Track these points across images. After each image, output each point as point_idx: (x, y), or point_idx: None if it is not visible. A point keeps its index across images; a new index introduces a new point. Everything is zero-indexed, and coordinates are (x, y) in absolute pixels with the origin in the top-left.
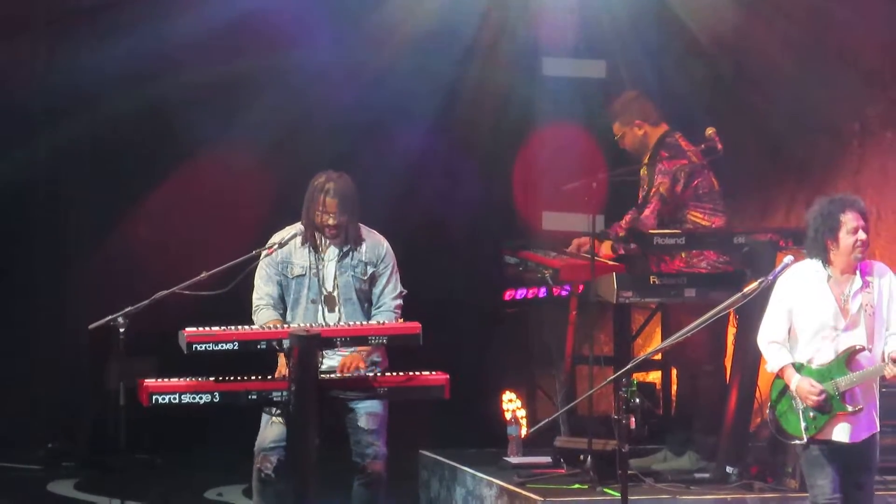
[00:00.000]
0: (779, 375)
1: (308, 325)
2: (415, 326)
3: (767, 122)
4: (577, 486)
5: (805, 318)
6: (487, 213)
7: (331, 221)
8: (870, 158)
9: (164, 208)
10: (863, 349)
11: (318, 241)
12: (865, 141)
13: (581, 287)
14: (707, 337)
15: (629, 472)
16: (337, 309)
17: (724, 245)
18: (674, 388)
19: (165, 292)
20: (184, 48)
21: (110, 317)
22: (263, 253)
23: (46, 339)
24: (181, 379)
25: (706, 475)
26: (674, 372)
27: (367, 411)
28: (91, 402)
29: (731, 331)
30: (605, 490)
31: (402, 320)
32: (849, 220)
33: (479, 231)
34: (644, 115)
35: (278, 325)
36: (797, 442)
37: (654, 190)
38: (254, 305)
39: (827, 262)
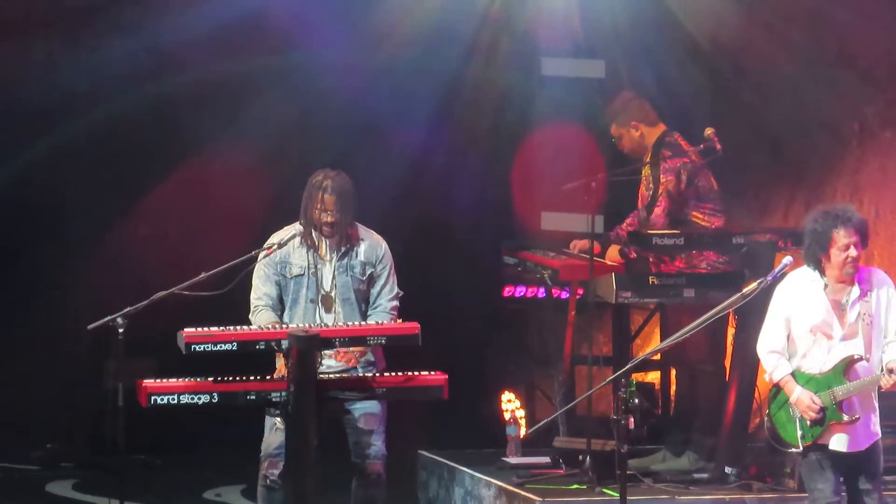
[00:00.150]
0: (778, 385)
1: (306, 325)
2: (413, 327)
3: (766, 122)
4: (575, 486)
5: (803, 327)
6: (487, 213)
7: (328, 219)
8: (869, 158)
9: (164, 208)
10: (860, 359)
11: (317, 241)
12: (864, 141)
13: (579, 292)
14: (706, 337)
15: (628, 472)
16: (334, 309)
17: (723, 245)
18: (673, 388)
19: (164, 293)
20: (183, 48)
21: (109, 317)
22: (262, 254)
23: (46, 340)
24: (180, 379)
25: (705, 475)
26: (673, 372)
27: (365, 412)
28: (90, 402)
29: (730, 331)
30: (604, 490)
31: (400, 321)
32: (840, 237)
33: (478, 231)
34: (641, 116)
35: (277, 326)
36: (794, 450)
37: (661, 188)
38: (252, 306)
39: (822, 272)
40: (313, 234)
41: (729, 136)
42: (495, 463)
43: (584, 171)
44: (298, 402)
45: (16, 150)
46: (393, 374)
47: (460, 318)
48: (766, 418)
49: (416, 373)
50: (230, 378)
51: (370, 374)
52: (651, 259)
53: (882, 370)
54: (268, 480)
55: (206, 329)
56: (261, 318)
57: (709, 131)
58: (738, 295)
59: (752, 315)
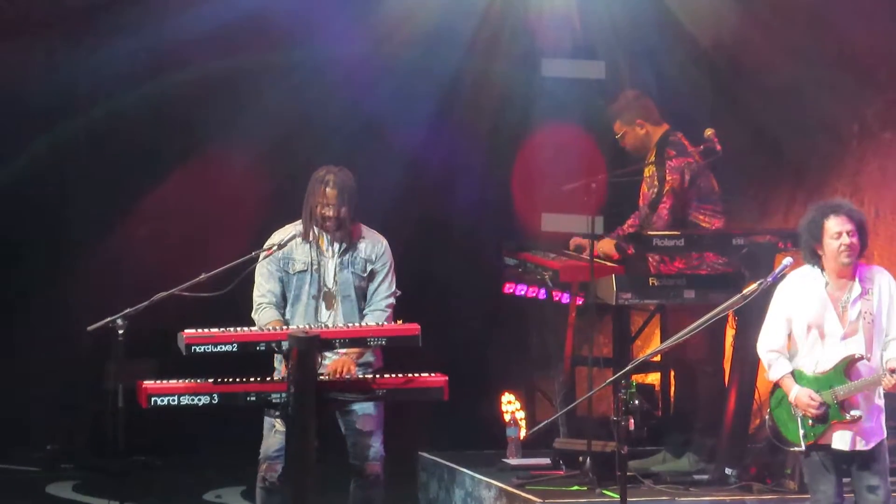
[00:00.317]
0: (778, 384)
1: (307, 324)
2: (414, 328)
3: (766, 122)
4: (576, 487)
5: (804, 326)
6: (487, 213)
7: (330, 213)
8: (868, 159)
9: (164, 208)
10: (861, 358)
11: (319, 237)
12: (864, 141)
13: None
14: (706, 338)
15: (628, 473)
16: (334, 306)
17: (723, 246)
18: (673, 389)
19: (164, 294)
20: (184, 48)
21: (109, 318)
22: (262, 255)
23: (45, 341)
24: (180, 381)
25: (705, 476)
26: (673, 373)
27: (362, 413)
28: (90, 403)
29: (730, 332)
30: (604, 492)
31: (400, 321)
32: (832, 225)
33: (478, 231)
34: (645, 114)
35: (279, 327)
36: (796, 449)
37: (666, 186)
38: (255, 303)
39: (822, 268)
40: (315, 231)
41: (729, 136)
42: (496, 464)
43: (585, 172)
44: (298, 404)
45: (16, 149)
46: (393, 375)
47: (460, 318)
48: (767, 417)
49: (416, 374)
50: (230, 379)
51: (370, 376)
52: (651, 260)
53: (883, 370)
54: (266, 482)
55: (206, 330)
56: (264, 316)
57: (709, 132)
58: (739, 296)
59: (752, 316)
